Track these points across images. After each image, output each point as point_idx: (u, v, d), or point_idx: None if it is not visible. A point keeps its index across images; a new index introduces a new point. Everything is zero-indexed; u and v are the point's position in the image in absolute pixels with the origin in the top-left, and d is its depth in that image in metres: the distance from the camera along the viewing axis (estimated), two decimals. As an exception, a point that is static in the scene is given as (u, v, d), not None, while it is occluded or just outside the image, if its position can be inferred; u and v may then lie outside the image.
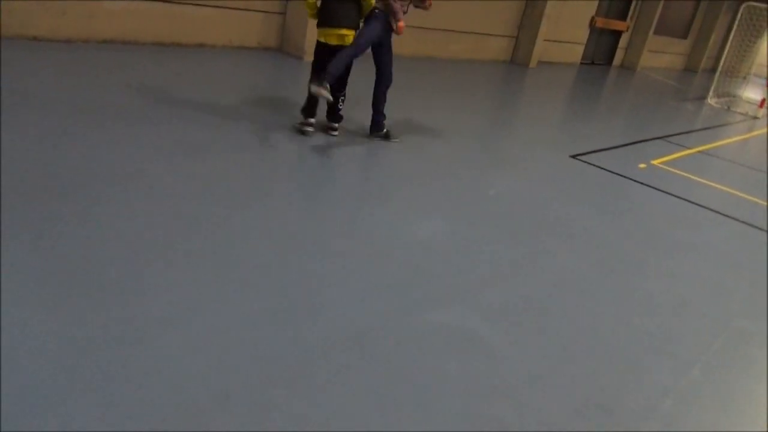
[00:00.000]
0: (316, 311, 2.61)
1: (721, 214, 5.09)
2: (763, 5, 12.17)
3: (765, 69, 16.92)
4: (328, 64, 4.60)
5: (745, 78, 15.59)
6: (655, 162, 6.46)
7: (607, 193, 5.21)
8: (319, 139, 5.06)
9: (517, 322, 2.85)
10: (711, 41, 21.01)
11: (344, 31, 4.75)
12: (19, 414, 1.79)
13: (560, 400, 2.35)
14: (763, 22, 12.50)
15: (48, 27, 6.46)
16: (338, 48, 4.74)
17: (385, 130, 5.37)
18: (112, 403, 1.90)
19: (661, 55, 19.37)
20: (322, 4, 4.76)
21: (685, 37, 20.75)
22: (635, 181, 5.58)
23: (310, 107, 4.95)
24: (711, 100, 12.81)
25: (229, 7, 7.82)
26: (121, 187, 3.38)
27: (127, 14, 7.00)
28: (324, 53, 4.81)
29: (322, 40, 4.82)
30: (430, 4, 5.20)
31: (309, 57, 8.52)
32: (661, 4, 16.91)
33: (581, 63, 16.08)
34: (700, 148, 7.79)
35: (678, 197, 5.31)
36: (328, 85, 4.50)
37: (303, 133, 4.98)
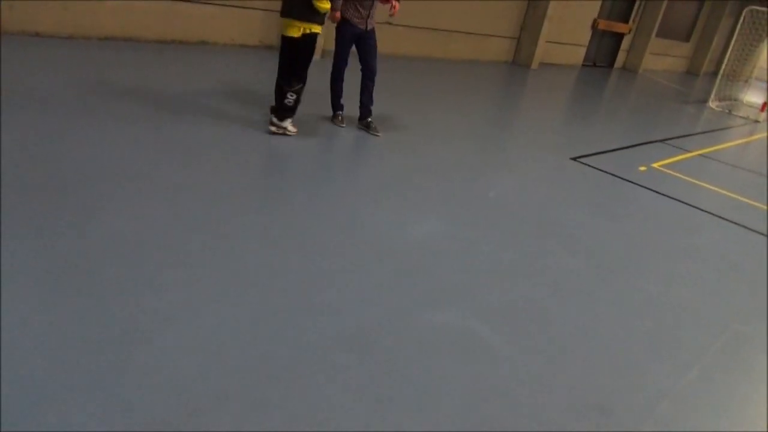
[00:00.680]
0: (315, 311, 2.61)
1: (721, 217, 5.09)
2: (765, 9, 12.17)
3: (766, 73, 16.93)
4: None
5: (746, 81, 15.60)
6: (655, 165, 6.46)
7: (607, 196, 5.21)
8: (320, 138, 5.06)
9: (516, 322, 2.85)
10: (713, 44, 21.03)
11: (289, 20, 4.55)
12: (18, 413, 1.80)
13: (558, 401, 2.36)
14: (766, 25, 12.50)
15: (50, 23, 6.46)
16: (287, 39, 4.61)
17: (370, 119, 5.52)
18: (112, 402, 1.90)
19: (663, 58, 19.39)
20: None
21: (687, 39, 20.76)
22: (636, 183, 5.58)
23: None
24: (712, 104, 12.82)
25: (231, 5, 7.82)
26: (122, 186, 3.38)
27: (129, 11, 7.00)
28: (285, 43, 4.69)
29: (281, 30, 4.67)
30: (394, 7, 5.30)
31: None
32: (664, 6, 16.93)
33: (583, 65, 16.09)
34: (701, 152, 7.80)
35: (678, 200, 5.31)
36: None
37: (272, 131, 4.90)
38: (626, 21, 16.83)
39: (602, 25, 15.64)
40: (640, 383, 2.59)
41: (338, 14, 5.10)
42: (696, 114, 11.67)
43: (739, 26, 12.72)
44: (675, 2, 17.98)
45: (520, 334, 2.77)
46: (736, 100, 14.01)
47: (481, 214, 4.16)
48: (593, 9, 15.16)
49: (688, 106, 12.60)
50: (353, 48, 5.36)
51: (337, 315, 2.61)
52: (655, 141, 7.83)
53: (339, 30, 5.25)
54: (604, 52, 16.99)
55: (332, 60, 5.39)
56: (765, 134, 10.59)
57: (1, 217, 2.74)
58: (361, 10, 5.14)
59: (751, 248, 4.57)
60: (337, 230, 3.44)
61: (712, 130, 10.07)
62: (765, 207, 5.70)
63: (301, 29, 4.58)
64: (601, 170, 5.80)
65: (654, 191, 5.44)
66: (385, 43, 10.35)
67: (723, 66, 13.06)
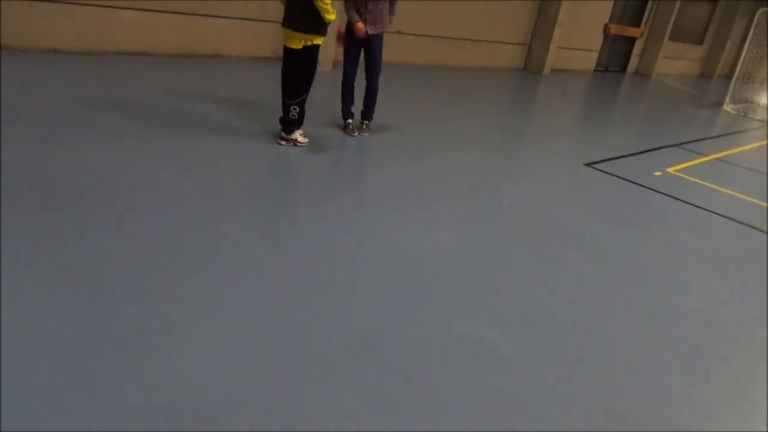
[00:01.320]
0: (329, 319, 2.61)
1: (738, 222, 5.03)
2: (779, 10, 12.07)
3: (782, 74, 16.74)
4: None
5: (761, 84, 15.43)
6: (670, 170, 6.41)
7: (622, 202, 5.17)
8: (331, 147, 5.09)
9: (530, 330, 2.84)
10: (727, 47, 20.85)
11: (292, 33, 4.55)
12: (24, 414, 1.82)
13: (575, 409, 2.33)
14: (780, 27, 12.40)
15: (66, 39, 6.57)
16: (288, 51, 4.62)
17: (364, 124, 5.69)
18: (121, 405, 1.92)
19: (676, 62, 19.26)
20: (285, 0, 4.59)
21: (700, 43, 20.61)
22: (651, 189, 5.53)
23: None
24: (727, 107, 12.69)
25: (243, 18, 7.91)
26: (135, 196, 3.42)
27: (143, 26, 7.11)
28: (284, 53, 4.69)
29: (282, 40, 4.68)
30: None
31: (323, 66, 8.60)
32: (676, 10, 16.83)
33: (595, 70, 16.03)
34: (717, 156, 7.72)
35: (694, 205, 5.25)
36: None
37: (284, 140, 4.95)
38: (638, 25, 16.75)
39: (614, 29, 15.58)
40: (656, 391, 2.56)
41: (360, 25, 5.10)
42: (711, 117, 11.56)
43: (752, 28, 12.61)
44: (687, 5, 17.87)
45: (534, 342, 2.75)
46: (751, 102, 13.85)
47: (495, 221, 4.14)
48: (604, 13, 15.11)
49: (702, 110, 12.49)
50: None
51: (349, 323, 2.61)
52: (670, 145, 7.76)
53: (345, 34, 5.30)
54: (616, 57, 16.90)
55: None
56: (782, 137, 10.46)
57: (1, 224, 2.79)
58: (363, 13, 5.16)
59: (771, 253, 4.51)
60: (350, 239, 3.45)
61: (728, 134, 9.97)
62: (784, 211, 5.62)
63: (303, 41, 4.57)
64: (615, 176, 5.76)
65: (670, 196, 5.39)
66: (396, 51, 10.43)
67: (737, 68, 12.94)
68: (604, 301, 3.29)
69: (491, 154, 6.05)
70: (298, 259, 3.10)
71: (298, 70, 4.69)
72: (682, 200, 5.34)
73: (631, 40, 16.99)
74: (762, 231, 4.91)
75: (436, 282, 3.13)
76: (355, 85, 5.47)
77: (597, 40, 15.49)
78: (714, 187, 6.07)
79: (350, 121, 5.59)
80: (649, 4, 16.66)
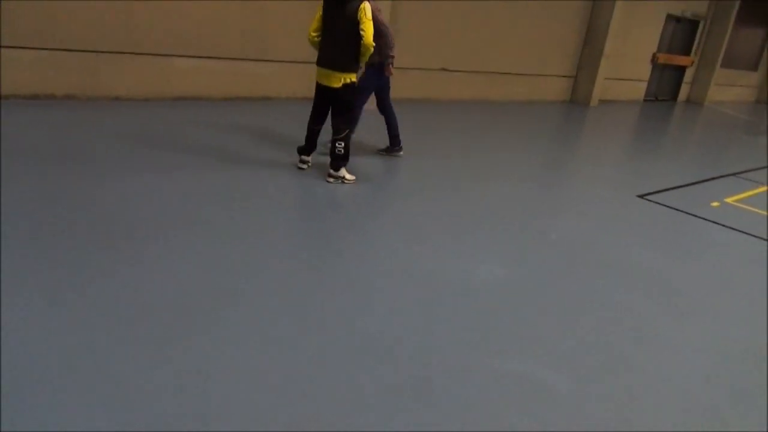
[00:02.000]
0: (374, 356, 2.59)
1: (806, 253, 4.77)
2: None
3: None
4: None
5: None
6: (729, 200, 6.17)
7: (678, 234, 4.99)
8: (370, 178, 5.13)
9: (584, 369, 2.74)
10: (783, 72, 20.17)
11: (328, 72, 4.69)
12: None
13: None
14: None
15: (126, 87, 6.95)
16: (325, 88, 4.76)
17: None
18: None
19: (729, 89, 18.72)
20: (320, 41, 4.70)
21: (755, 68, 20.01)
22: (709, 220, 5.33)
23: (307, 146, 5.10)
24: (787, 133, 12.19)
25: (290, 61, 8.18)
26: (184, 231, 3.53)
27: (197, 72, 7.45)
28: (318, 91, 4.84)
29: (316, 78, 4.80)
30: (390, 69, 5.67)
31: (368, 105, 8.75)
32: (728, 36, 16.44)
33: (644, 100, 15.74)
34: (779, 184, 7.39)
35: (756, 236, 5.02)
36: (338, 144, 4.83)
37: (300, 168, 5.12)
38: (688, 53, 16.43)
39: (662, 58, 15.33)
40: (714, 427, 2.42)
41: (391, 68, 5.35)
42: (770, 145, 11.12)
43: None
44: (739, 31, 17.44)
45: (589, 381, 2.65)
46: (813, 128, 13.26)
47: (544, 255, 4.06)
48: (652, 43, 14.91)
49: (760, 137, 12.03)
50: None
51: (396, 359, 2.58)
52: (727, 175, 7.49)
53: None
54: (666, 86, 16.57)
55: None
56: None
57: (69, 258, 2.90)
58: None
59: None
60: (397, 273, 3.44)
61: (790, 161, 9.54)
62: None
63: (342, 79, 4.70)
64: (671, 207, 5.58)
65: (729, 227, 5.17)
66: (441, 88, 10.55)
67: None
68: (664, 337, 3.15)
69: (539, 186, 5.97)
70: (347, 296, 3.10)
71: (338, 108, 4.82)
72: (742, 231, 5.12)
73: (681, 69, 16.65)
74: (833, 263, 4.63)
75: (484, 318, 3.07)
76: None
77: (645, 70, 15.26)
78: (777, 217, 5.80)
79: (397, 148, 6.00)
80: (699, 31, 16.35)
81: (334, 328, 2.78)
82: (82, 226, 3.44)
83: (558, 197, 5.77)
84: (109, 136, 5.34)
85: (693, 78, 17.18)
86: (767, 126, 14.18)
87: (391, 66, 5.57)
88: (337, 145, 4.84)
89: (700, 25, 16.29)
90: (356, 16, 4.50)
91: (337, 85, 4.70)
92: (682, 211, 5.53)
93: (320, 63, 4.73)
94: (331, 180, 4.93)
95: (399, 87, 9.92)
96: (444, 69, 10.43)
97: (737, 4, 16.22)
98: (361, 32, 4.51)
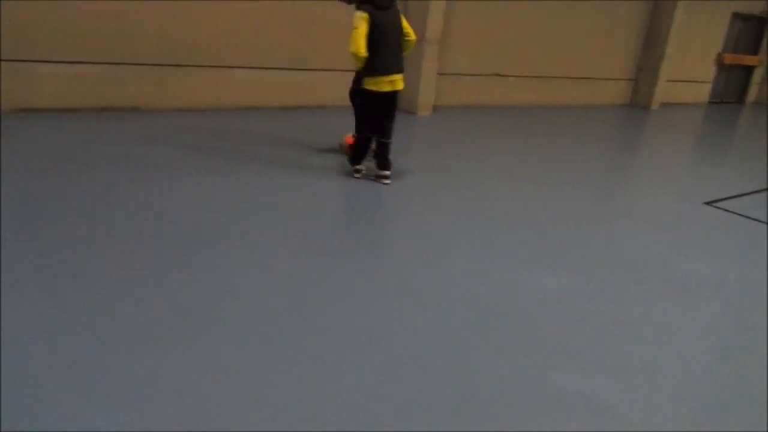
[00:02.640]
0: (420, 372, 2.53)
1: None
2: None
3: None
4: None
5: None
6: (806, 207, 5.81)
7: (750, 244, 4.73)
8: (413, 186, 5.10)
9: (644, 385, 2.61)
10: None
11: (395, 77, 4.89)
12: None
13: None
14: None
15: (188, 98, 7.20)
16: (390, 94, 4.91)
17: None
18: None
19: (803, 88, 17.72)
20: (372, 52, 4.72)
21: (830, 67, 18.88)
22: (784, 228, 5.03)
23: (359, 156, 5.25)
24: None
25: (342, 70, 8.27)
26: (216, 243, 3.59)
27: (254, 82, 7.65)
28: (376, 102, 4.92)
29: (374, 88, 4.84)
30: None
31: (423, 112, 8.77)
32: (800, 34, 15.61)
33: (709, 102, 15.10)
34: None
35: (839, 246, 4.70)
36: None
37: (356, 177, 5.24)
38: (755, 52, 15.67)
39: (728, 59, 14.68)
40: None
41: None
42: None
43: None
44: (813, 28, 16.52)
45: (648, 398, 2.52)
46: None
47: (604, 264, 3.92)
48: (716, 43, 14.31)
49: (839, 140, 11.31)
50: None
51: (442, 376, 2.52)
52: (803, 180, 7.06)
53: None
54: (732, 87, 15.85)
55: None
56: None
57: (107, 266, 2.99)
58: None
59: None
60: (445, 281, 3.37)
61: None
62: None
63: (401, 80, 4.97)
64: (742, 215, 5.30)
65: (808, 237, 4.86)
66: (496, 93, 10.42)
67: None
68: (732, 356, 2.97)
69: (599, 192, 5.78)
70: (389, 308, 3.08)
71: (393, 111, 5.09)
72: (823, 241, 4.80)
73: (749, 69, 15.89)
74: None
75: (536, 330, 2.96)
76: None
77: (710, 71, 14.65)
78: None
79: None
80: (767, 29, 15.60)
81: (371, 343, 2.75)
82: (145, 227, 3.56)
83: (620, 204, 5.56)
84: (168, 146, 5.51)
85: (762, 78, 16.38)
86: None
87: None
88: (390, 147, 5.17)
89: (770, 23, 15.53)
90: (400, 21, 4.87)
91: (402, 86, 4.99)
92: (754, 219, 5.24)
93: (387, 71, 4.84)
94: (388, 181, 5.16)
95: (452, 93, 9.89)
96: (497, 74, 10.32)
97: (810, 0, 15.38)
98: (407, 34, 4.93)
